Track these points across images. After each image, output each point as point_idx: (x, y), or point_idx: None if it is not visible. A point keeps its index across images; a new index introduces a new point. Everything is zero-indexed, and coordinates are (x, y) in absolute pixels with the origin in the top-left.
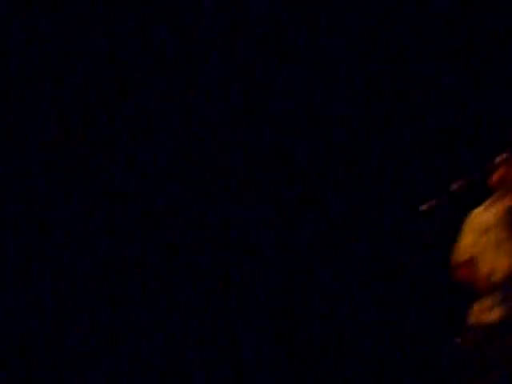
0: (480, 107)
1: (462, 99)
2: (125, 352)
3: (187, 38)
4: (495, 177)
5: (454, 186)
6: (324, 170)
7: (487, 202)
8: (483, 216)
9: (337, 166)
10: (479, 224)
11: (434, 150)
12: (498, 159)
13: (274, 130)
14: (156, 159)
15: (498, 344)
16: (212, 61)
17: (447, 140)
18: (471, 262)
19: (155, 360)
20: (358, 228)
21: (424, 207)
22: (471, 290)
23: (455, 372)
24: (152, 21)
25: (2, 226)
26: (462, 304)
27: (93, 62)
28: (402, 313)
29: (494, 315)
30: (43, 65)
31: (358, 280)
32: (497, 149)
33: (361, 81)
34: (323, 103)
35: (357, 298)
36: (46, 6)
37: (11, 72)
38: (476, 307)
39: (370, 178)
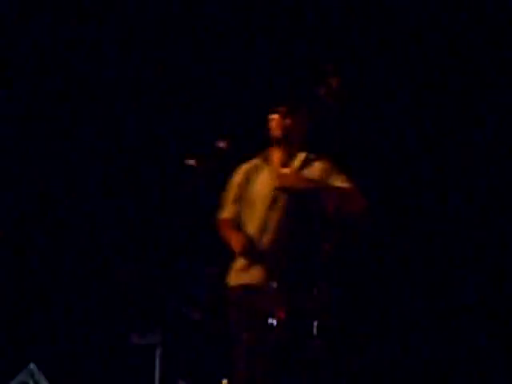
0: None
1: None
2: None
3: None
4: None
5: (220, 143)
6: None
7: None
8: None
9: None
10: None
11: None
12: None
13: None
14: None
15: (250, 304)
16: None
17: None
18: (229, 222)
19: None
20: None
21: (191, 162)
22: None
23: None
24: None
25: None
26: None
27: None
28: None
29: (247, 276)
30: None
31: None
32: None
33: None
34: None
35: None
36: None
37: None
38: (235, 267)
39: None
